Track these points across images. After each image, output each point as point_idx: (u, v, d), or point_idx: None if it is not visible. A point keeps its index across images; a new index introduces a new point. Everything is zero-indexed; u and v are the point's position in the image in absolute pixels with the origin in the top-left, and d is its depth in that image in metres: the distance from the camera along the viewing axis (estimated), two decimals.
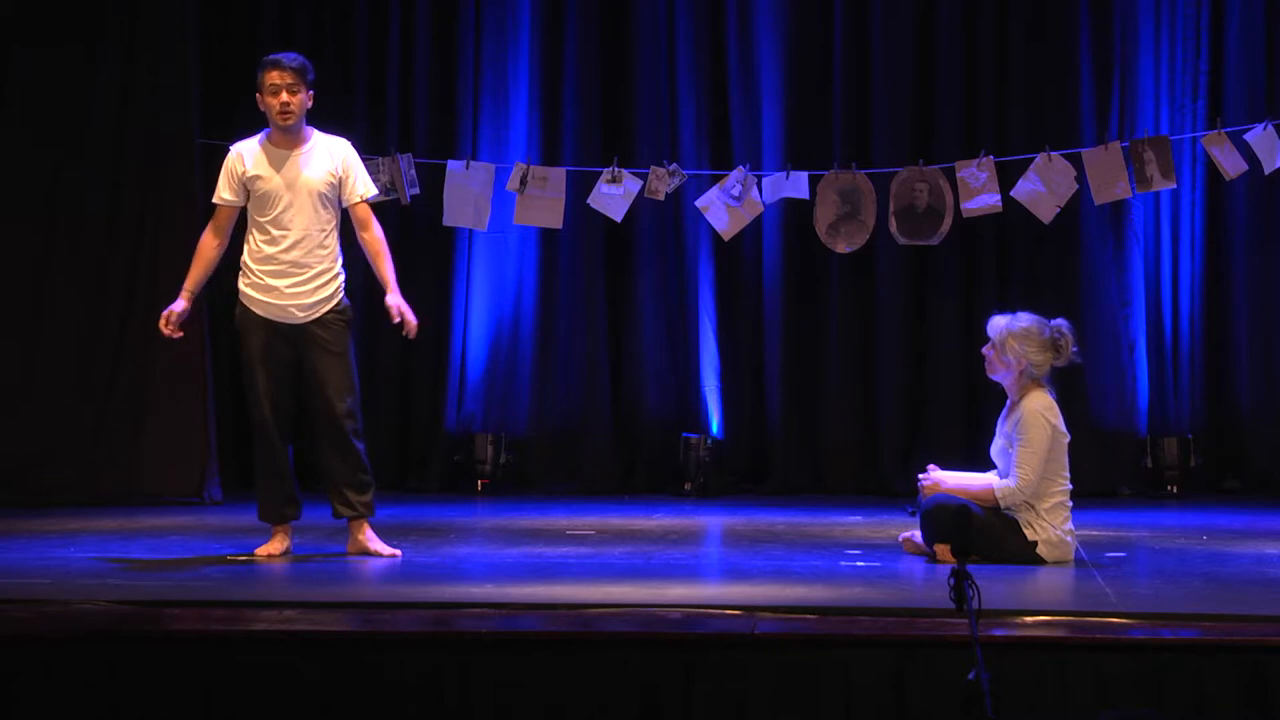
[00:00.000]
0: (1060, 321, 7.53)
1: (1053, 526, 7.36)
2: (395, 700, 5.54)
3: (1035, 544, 7.33)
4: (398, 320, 7.61)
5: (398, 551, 7.66)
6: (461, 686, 5.54)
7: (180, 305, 7.60)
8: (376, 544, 7.65)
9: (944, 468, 7.72)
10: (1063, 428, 7.45)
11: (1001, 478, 7.44)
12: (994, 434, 7.65)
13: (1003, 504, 7.36)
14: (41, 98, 10.20)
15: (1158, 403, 10.89)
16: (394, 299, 7.61)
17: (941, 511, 7.36)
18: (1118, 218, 10.85)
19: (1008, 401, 7.58)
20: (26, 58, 10.20)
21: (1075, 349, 7.52)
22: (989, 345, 7.53)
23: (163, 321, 7.60)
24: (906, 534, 7.72)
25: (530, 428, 11.12)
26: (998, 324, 7.52)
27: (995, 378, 7.58)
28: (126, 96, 10.30)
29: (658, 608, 6.09)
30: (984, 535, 7.28)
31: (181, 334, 7.70)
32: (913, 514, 7.79)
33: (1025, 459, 7.35)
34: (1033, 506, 7.37)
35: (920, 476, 7.61)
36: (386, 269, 7.66)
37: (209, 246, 7.67)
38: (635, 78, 11.10)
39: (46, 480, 9.93)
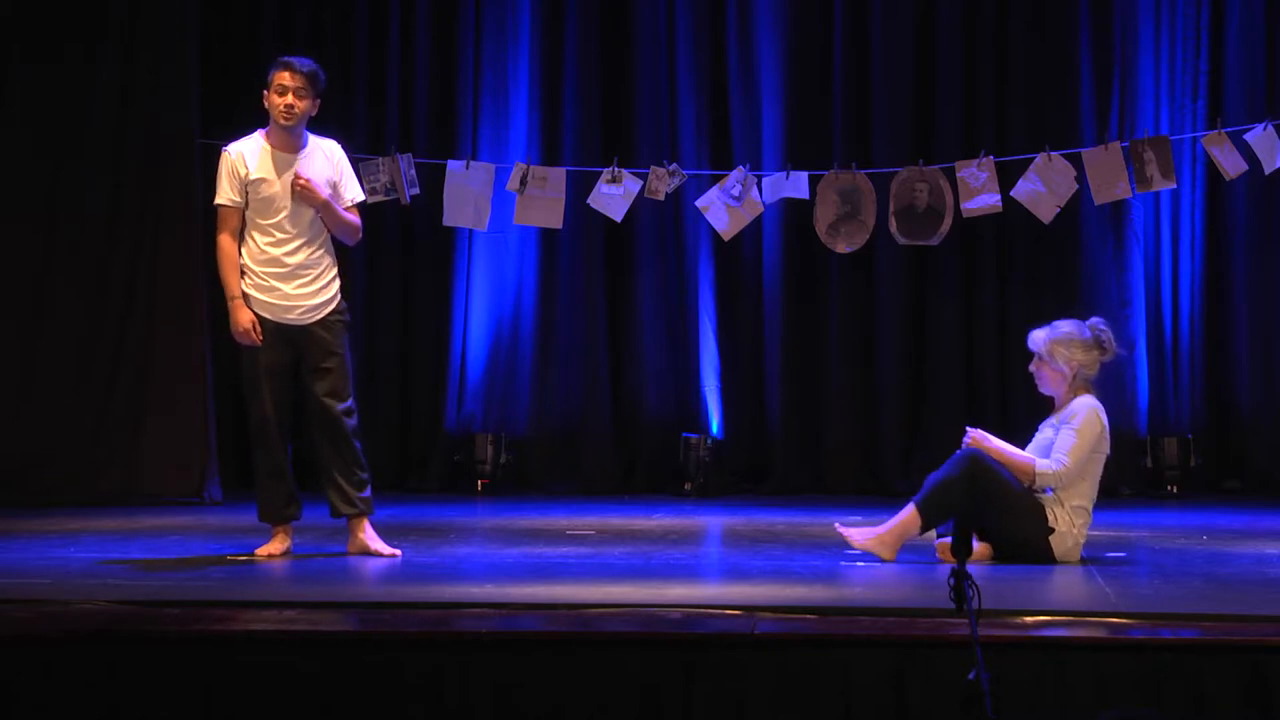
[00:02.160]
0: (1096, 320, 7.60)
1: (1072, 521, 7.38)
2: (395, 700, 5.54)
3: (1052, 531, 7.34)
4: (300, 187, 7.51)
5: (398, 551, 7.66)
6: (461, 686, 5.54)
7: (248, 313, 7.54)
8: (376, 543, 7.65)
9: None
10: (1108, 437, 7.48)
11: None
12: (1034, 433, 7.64)
13: (1039, 481, 7.37)
14: (41, 97, 10.21)
15: (1158, 403, 10.90)
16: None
17: (959, 479, 7.31)
18: (1118, 218, 10.85)
19: (1056, 407, 7.60)
20: (26, 58, 10.20)
21: (1116, 342, 7.61)
22: (1034, 361, 7.56)
23: (254, 336, 7.51)
24: (940, 540, 7.64)
25: (530, 428, 11.13)
26: (1038, 337, 7.56)
27: (1047, 391, 7.59)
28: (126, 96, 10.30)
29: (658, 608, 6.09)
30: (1002, 501, 7.27)
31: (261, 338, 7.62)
32: None
33: (1074, 448, 7.37)
34: (1059, 499, 7.39)
35: (969, 430, 7.58)
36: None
37: (232, 249, 7.59)
38: (635, 78, 11.10)
39: (46, 480, 9.93)
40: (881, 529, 7.44)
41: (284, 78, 7.54)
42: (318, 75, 7.60)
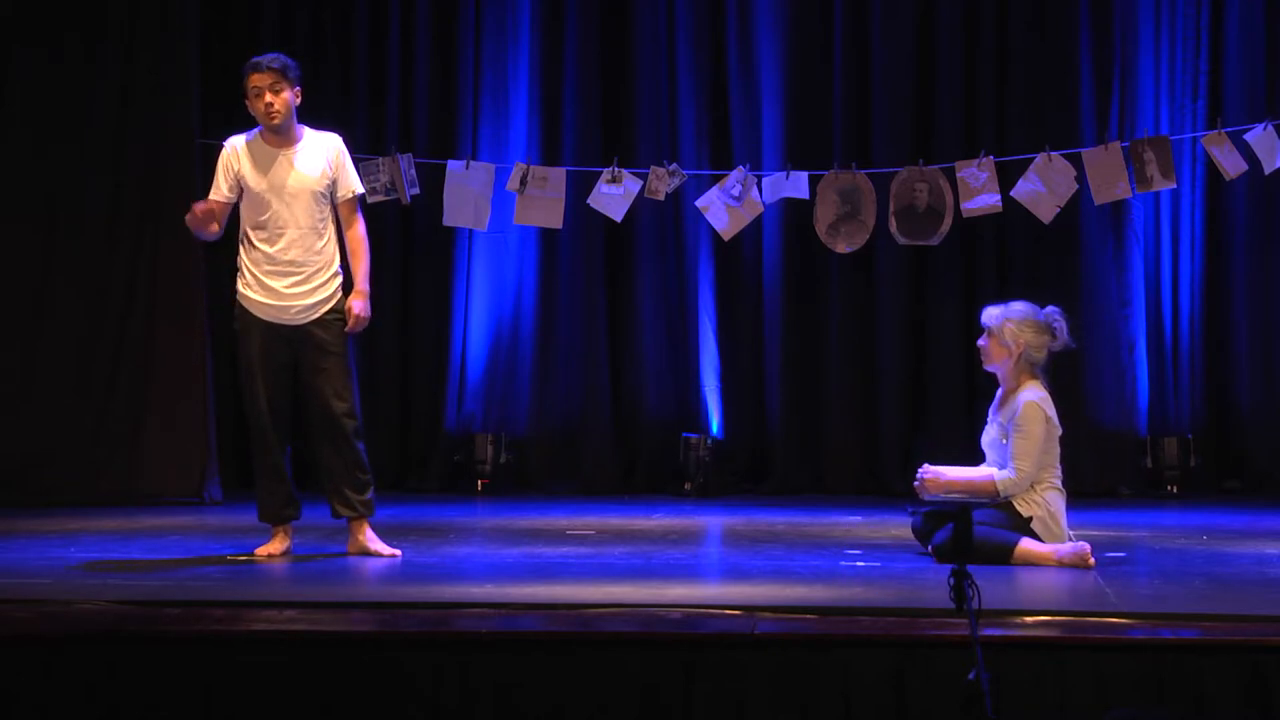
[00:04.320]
0: (1052, 308, 7.68)
1: (1047, 503, 7.43)
2: (395, 700, 5.54)
3: (1030, 519, 7.39)
4: (350, 322, 7.59)
5: (398, 551, 7.66)
6: (461, 686, 5.55)
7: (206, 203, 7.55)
8: (376, 544, 7.65)
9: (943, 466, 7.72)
10: (1056, 420, 7.55)
11: (1000, 468, 7.51)
12: (985, 422, 7.71)
13: (1003, 493, 7.45)
14: (41, 97, 10.21)
15: (1158, 403, 10.90)
16: (356, 301, 7.57)
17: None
18: (1118, 218, 10.85)
19: (1000, 390, 7.65)
20: (26, 58, 10.20)
21: (1068, 332, 7.65)
22: (984, 335, 7.66)
23: (197, 211, 7.51)
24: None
25: (530, 428, 11.12)
26: (992, 313, 7.66)
27: (991, 368, 7.69)
28: (126, 96, 10.31)
29: (658, 608, 6.10)
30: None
31: (209, 207, 7.54)
32: (913, 514, 7.78)
33: (1024, 451, 7.43)
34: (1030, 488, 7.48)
35: (920, 470, 7.62)
36: (359, 267, 7.63)
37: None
38: (635, 78, 11.10)
39: (46, 480, 9.93)
40: (1061, 548, 7.41)
41: (254, 80, 7.54)
42: (287, 65, 7.58)
